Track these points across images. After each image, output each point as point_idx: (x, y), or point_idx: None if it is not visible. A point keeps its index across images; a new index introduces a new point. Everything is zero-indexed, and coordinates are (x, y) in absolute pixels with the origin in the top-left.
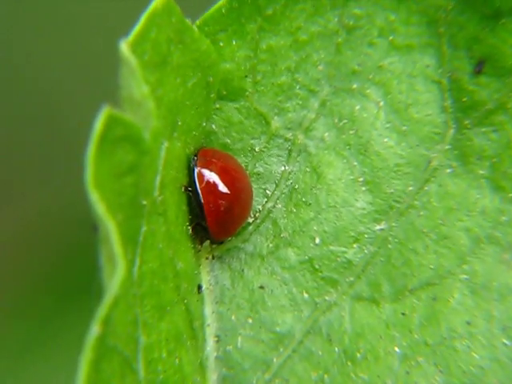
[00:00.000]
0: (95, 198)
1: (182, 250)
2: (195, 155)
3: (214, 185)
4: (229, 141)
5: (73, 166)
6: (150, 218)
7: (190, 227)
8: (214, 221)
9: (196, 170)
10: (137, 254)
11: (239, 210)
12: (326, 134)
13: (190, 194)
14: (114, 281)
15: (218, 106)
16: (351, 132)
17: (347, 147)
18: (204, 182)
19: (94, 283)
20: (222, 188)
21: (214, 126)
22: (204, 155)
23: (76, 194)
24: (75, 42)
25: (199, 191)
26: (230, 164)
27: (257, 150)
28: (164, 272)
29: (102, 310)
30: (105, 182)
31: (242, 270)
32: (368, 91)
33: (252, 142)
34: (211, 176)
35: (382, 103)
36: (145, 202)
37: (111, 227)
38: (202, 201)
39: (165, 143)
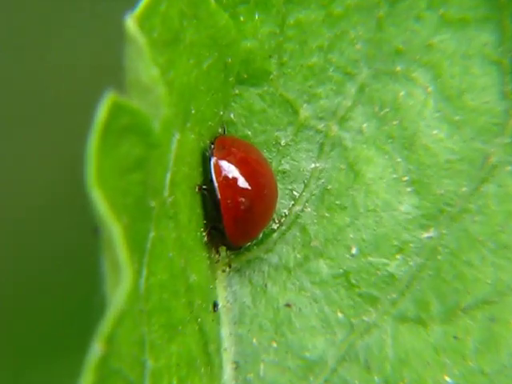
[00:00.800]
0: (98, 196)
1: (195, 260)
2: (212, 143)
3: (234, 178)
4: (250, 133)
5: (66, 159)
6: (159, 221)
7: (204, 233)
8: (232, 220)
9: (213, 160)
10: (144, 264)
11: (261, 209)
12: (365, 125)
13: (206, 192)
14: (119, 292)
15: (237, 91)
16: (394, 122)
17: (390, 140)
18: (222, 175)
19: (95, 297)
20: (243, 182)
21: (232, 116)
22: (222, 144)
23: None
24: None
25: (216, 184)
26: (252, 155)
27: (282, 143)
28: (175, 285)
29: (105, 326)
30: (108, 179)
31: (265, 285)
32: (414, 74)
33: (277, 134)
34: (230, 168)
35: (430, 88)
36: (153, 204)
37: (116, 230)
38: (219, 196)
39: (176, 135)
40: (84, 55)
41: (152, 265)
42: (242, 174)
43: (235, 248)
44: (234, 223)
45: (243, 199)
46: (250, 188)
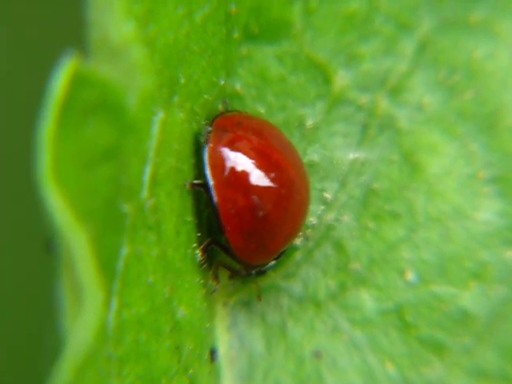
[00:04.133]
0: (54, 197)
1: (185, 288)
2: (209, 125)
3: (238, 173)
4: (262, 110)
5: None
6: (135, 233)
7: (198, 250)
8: (238, 231)
9: (208, 149)
10: (114, 292)
11: (281, 216)
12: (427, 99)
13: (201, 192)
14: (79, 331)
15: (245, 51)
16: (468, 95)
17: (461, 120)
18: (221, 169)
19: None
20: (252, 179)
21: (238, 86)
22: (223, 125)
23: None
24: None
25: (211, 183)
26: (267, 141)
27: (309, 125)
28: (156, 322)
29: (60, 378)
30: (68, 174)
31: (285, 325)
32: (497, 26)
33: (301, 111)
34: (233, 159)
35: None
36: (127, 208)
37: (79, 244)
38: (216, 198)
39: (159, 113)
40: (36, 4)
41: (125, 293)
42: (252, 167)
43: (251, 268)
44: (240, 234)
45: (252, 202)
46: (262, 186)
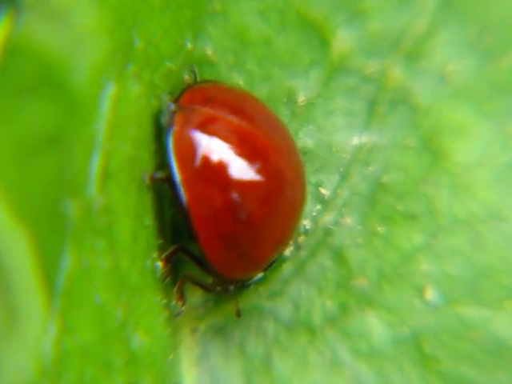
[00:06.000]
0: None
1: (142, 310)
2: (174, 101)
3: (211, 163)
4: (241, 80)
5: None
6: (81, 240)
7: (161, 259)
8: (215, 237)
9: (173, 132)
10: (53, 315)
11: (270, 218)
12: (452, 67)
13: (166, 185)
14: (8, 362)
15: (218, 6)
16: (506, 61)
17: (497, 94)
18: (190, 159)
19: None
20: (230, 170)
21: (209, 50)
22: (191, 101)
23: None
24: None
25: (178, 176)
26: (249, 119)
27: (301, 100)
28: (106, 353)
29: None
30: (0, 167)
31: (270, 357)
32: None
33: (291, 83)
34: (206, 144)
35: None
36: (70, 208)
37: (15, 250)
38: (185, 197)
39: (109, 87)
40: None
41: (68, 316)
42: (231, 155)
43: (229, 284)
44: (217, 242)
45: (232, 200)
46: (245, 180)
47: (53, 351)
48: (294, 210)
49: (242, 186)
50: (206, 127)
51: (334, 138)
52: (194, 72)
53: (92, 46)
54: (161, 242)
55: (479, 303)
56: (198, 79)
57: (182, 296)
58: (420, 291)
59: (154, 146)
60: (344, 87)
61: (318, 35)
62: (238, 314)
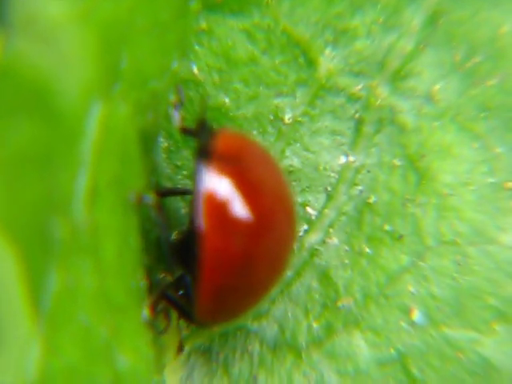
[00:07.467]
0: None
1: (129, 331)
2: (208, 133)
3: (232, 216)
4: (227, 99)
5: None
6: (68, 259)
7: (145, 281)
8: (217, 287)
9: (204, 176)
10: (38, 334)
11: (267, 280)
12: (438, 86)
13: (152, 208)
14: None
15: (204, 25)
16: (492, 82)
17: (484, 115)
18: (221, 210)
19: None
20: (255, 233)
21: (195, 69)
22: (226, 152)
23: None
24: None
25: (202, 223)
26: (266, 177)
27: (288, 119)
28: (91, 374)
29: None
30: None
31: (255, 379)
32: None
33: (277, 102)
34: (240, 199)
35: None
36: (58, 228)
37: (3, 270)
38: (203, 246)
39: (97, 107)
40: None
41: (53, 336)
42: (257, 217)
43: (198, 325)
44: (217, 291)
45: (248, 259)
46: (264, 244)
47: (37, 371)
48: (284, 271)
49: (261, 248)
50: (242, 184)
51: (321, 157)
52: (180, 92)
53: (79, 67)
54: (146, 261)
55: (466, 325)
56: (183, 99)
57: (167, 316)
58: (406, 312)
59: (138, 165)
60: (331, 106)
61: (304, 54)
62: (180, 350)
